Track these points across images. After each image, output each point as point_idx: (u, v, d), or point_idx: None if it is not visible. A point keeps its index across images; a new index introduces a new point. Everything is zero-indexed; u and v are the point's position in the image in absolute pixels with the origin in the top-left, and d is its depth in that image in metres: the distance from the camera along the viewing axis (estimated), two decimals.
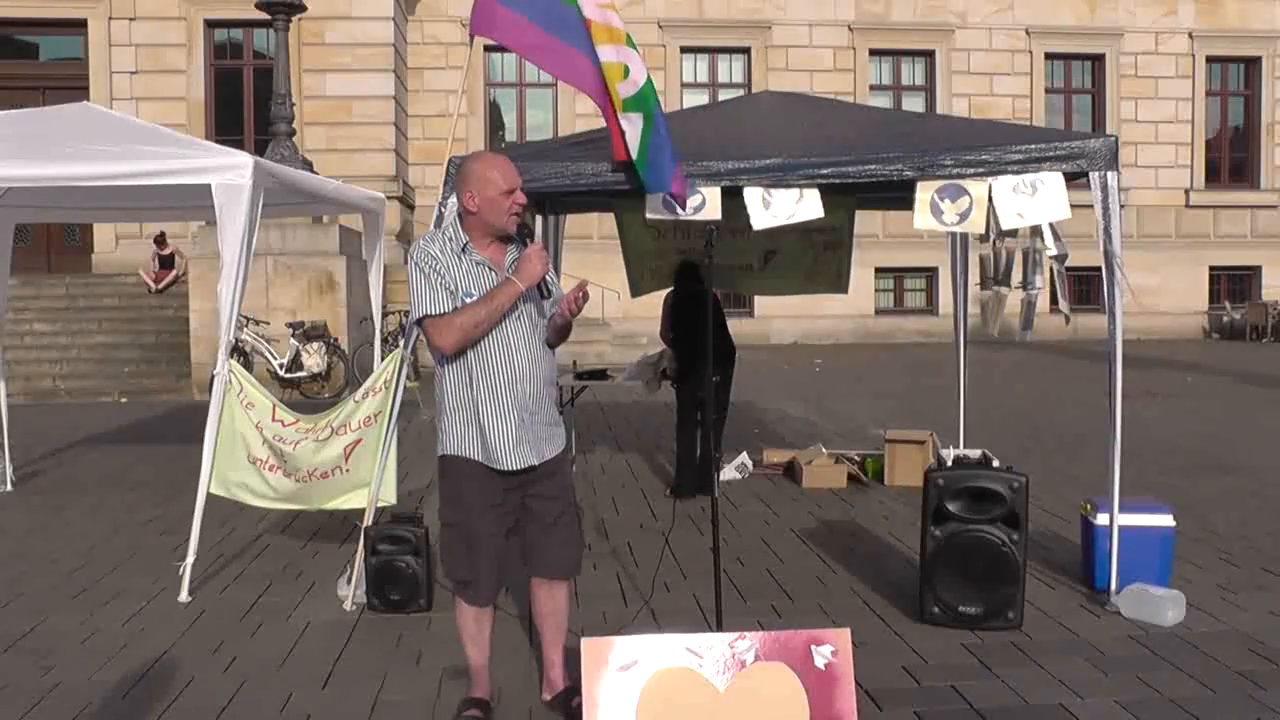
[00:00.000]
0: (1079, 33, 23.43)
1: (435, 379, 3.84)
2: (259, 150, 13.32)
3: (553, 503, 3.82)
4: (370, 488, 5.45)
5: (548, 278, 3.72)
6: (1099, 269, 5.16)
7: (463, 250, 3.70)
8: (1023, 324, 6.85)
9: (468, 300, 3.64)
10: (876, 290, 22.89)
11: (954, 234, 7.75)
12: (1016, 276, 6.68)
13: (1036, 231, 5.93)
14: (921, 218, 5.14)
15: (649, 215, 5.29)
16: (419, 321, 3.72)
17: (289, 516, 6.91)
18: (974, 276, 7.74)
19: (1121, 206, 5.12)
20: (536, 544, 3.86)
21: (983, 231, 5.44)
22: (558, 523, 3.84)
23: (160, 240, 17.49)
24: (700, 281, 7.59)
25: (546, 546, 3.86)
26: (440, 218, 5.14)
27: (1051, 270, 6.18)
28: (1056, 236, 5.69)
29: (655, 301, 8.24)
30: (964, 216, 5.12)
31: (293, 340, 14.27)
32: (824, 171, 5.19)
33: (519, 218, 3.71)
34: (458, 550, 3.79)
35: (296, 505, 5.85)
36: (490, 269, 3.70)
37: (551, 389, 3.88)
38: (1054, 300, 7.22)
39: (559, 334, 3.86)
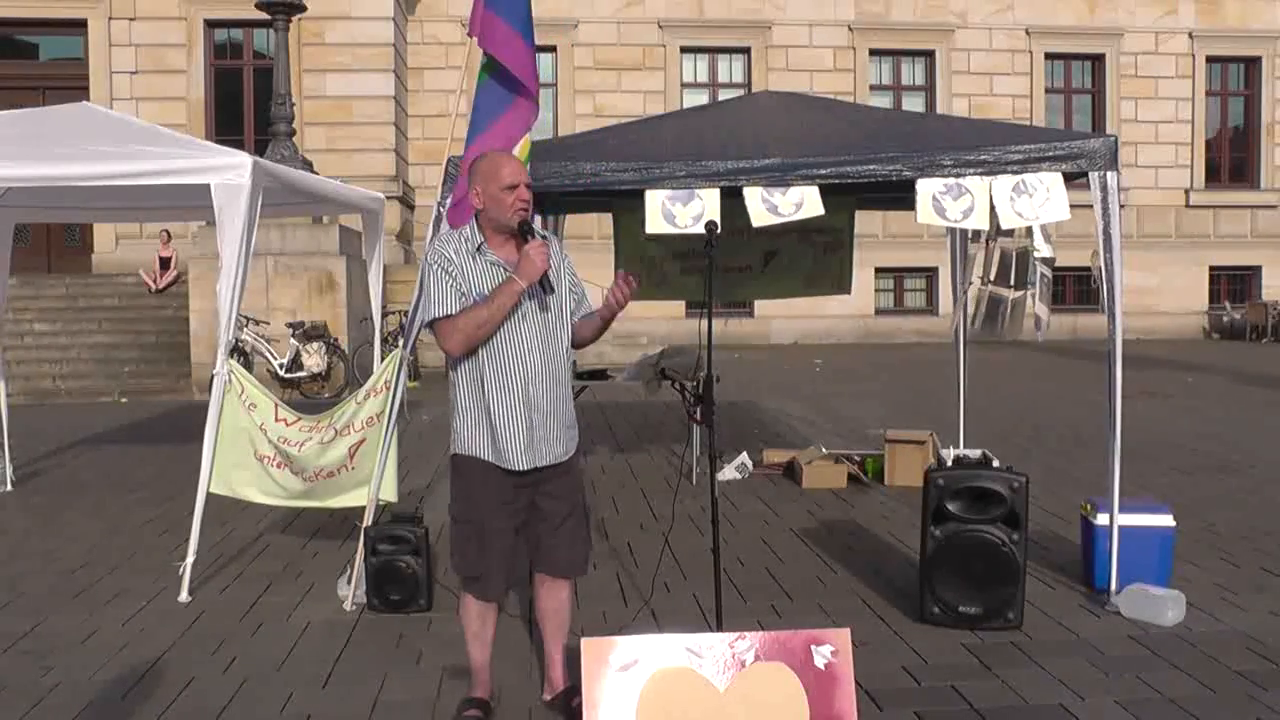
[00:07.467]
0: (1079, 33, 23.43)
1: (448, 378, 3.85)
2: (259, 150, 13.32)
3: (562, 502, 3.83)
4: (369, 487, 5.45)
5: (550, 274, 3.65)
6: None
7: (477, 250, 3.70)
8: (1005, 326, 6.78)
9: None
10: (876, 290, 22.88)
11: (954, 234, 7.76)
12: (1013, 278, 6.67)
13: (1029, 232, 5.91)
14: (924, 214, 5.12)
15: (649, 229, 5.25)
16: (430, 324, 3.73)
17: (289, 517, 6.92)
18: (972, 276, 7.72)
19: (1121, 206, 5.11)
20: (543, 542, 3.87)
21: (986, 227, 5.40)
22: (565, 522, 3.84)
23: (164, 239, 17.48)
24: None
25: (553, 545, 3.86)
26: (439, 217, 5.13)
27: (1038, 272, 6.17)
28: (1046, 239, 5.67)
29: (656, 302, 8.13)
30: (967, 214, 5.10)
31: (293, 340, 14.26)
32: (823, 172, 5.18)
33: (524, 214, 3.68)
34: (469, 546, 3.80)
35: (304, 503, 5.84)
36: (505, 269, 3.67)
37: (567, 389, 3.84)
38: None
39: (597, 331, 3.85)
